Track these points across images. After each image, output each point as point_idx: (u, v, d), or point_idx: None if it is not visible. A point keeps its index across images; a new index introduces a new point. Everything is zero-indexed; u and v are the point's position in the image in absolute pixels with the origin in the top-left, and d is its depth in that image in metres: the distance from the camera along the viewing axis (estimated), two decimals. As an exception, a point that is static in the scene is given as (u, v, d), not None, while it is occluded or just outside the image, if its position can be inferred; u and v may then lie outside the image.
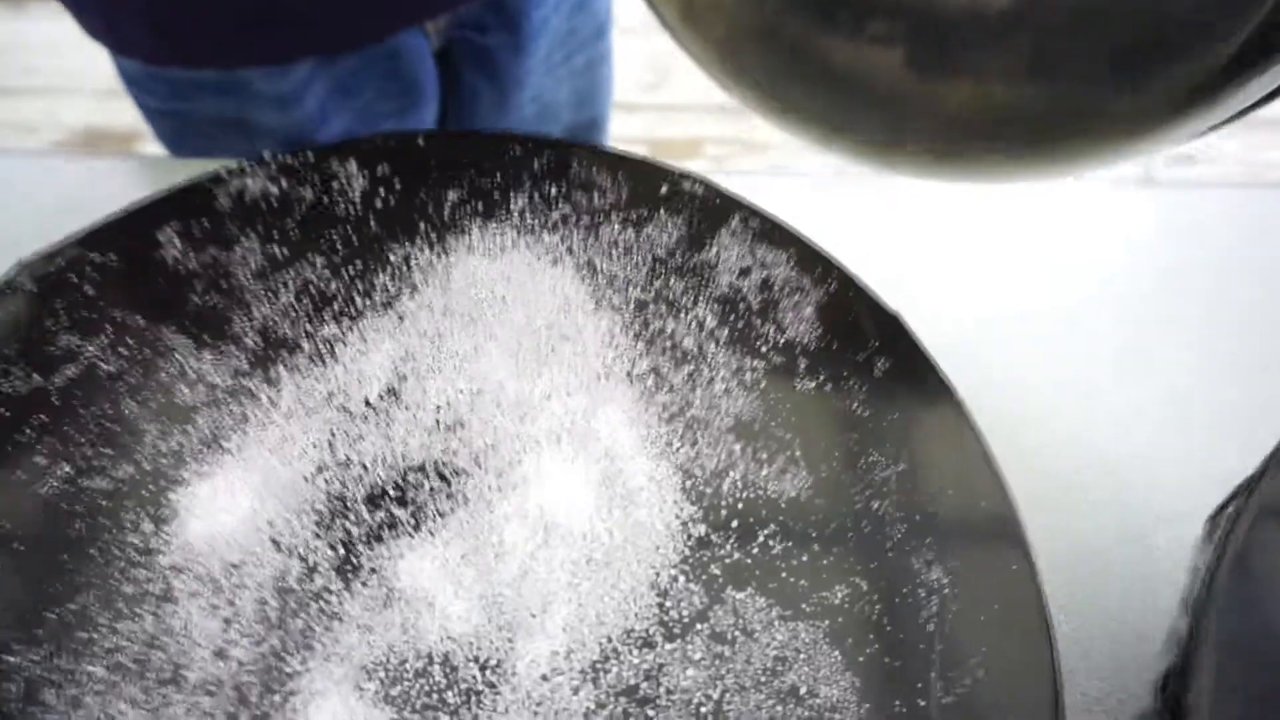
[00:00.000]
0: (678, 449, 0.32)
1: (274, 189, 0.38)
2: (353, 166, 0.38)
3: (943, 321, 0.36)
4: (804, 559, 0.30)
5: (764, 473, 0.31)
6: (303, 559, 0.29)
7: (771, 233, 0.37)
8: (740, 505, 0.31)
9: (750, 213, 0.38)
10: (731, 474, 0.31)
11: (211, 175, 0.38)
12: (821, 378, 0.34)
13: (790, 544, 0.30)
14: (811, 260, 0.37)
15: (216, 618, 0.28)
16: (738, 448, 0.32)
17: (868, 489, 0.31)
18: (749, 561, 0.29)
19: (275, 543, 0.29)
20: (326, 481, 0.30)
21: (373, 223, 0.37)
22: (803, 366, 0.34)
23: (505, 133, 0.40)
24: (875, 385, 0.34)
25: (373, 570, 0.29)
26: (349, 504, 0.30)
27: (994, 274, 0.46)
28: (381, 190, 0.38)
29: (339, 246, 0.36)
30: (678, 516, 0.30)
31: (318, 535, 0.29)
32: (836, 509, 0.31)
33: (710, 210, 0.38)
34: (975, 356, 0.37)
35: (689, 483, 0.31)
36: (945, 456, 0.32)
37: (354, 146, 0.39)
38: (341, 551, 0.29)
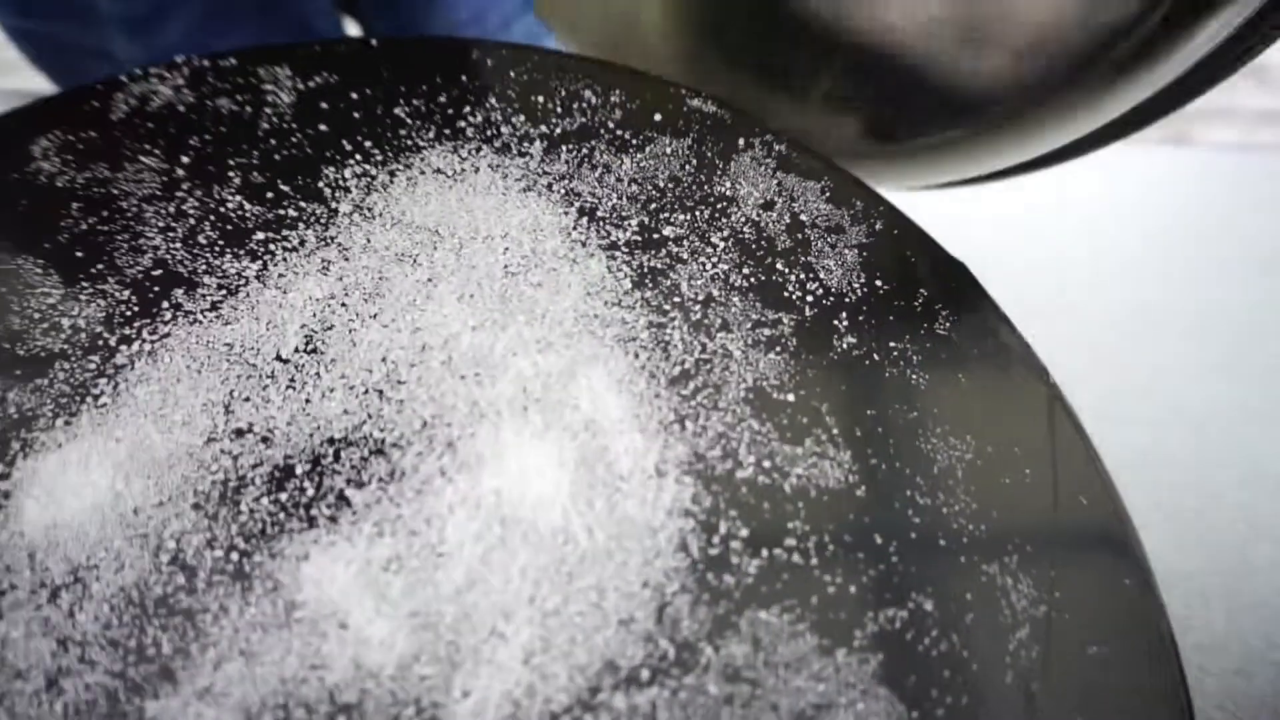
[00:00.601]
0: (679, 423, 0.24)
1: (185, 97, 0.30)
2: (283, 73, 0.31)
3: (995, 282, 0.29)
4: (846, 571, 0.22)
5: (792, 455, 0.24)
6: (173, 559, 0.21)
7: (801, 160, 0.30)
8: (761, 498, 0.23)
9: (775, 136, 0.30)
10: (749, 457, 0.24)
11: (107, 79, 0.31)
12: (866, 337, 0.26)
13: (827, 550, 0.22)
14: (851, 193, 0.29)
15: (49, 637, 0.20)
16: (757, 423, 0.24)
17: (928, 480, 0.24)
18: (772, 572, 0.22)
19: (139, 537, 0.22)
20: (216, 456, 0.23)
21: (303, 139, 0.30)
22: (842, 322, 0.26)
23: (476, 40, 0.33)
24: (936, 348, 0.26)
25: (267, 577, 0.21)
26: (243, 486, 0.23)
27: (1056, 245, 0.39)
28: (317, 102, 0.30)
29: (259, 167, 0.29)
30: (678, 510, 0.23)
31: (197, 528, 0.22)
32: (888, 505, 0.23)
33: (724, 132, 0.30)
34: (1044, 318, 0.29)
35: (694, 467, 0.24)
36: (1029, 440, 0.25)
37: (288, 52, 0.32)
38: (226, 550, 0.22)
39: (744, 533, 0.23)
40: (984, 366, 0.26)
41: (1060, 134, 0.37)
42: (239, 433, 0.23)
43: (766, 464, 0.24)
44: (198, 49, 0.42)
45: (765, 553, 0.22)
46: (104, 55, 0.44)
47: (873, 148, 0.42)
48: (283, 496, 0.23)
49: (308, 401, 0.24)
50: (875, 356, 0.26)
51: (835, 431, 0.25)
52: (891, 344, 0.26)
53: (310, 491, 0.23)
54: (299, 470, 0.23)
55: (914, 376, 0.26)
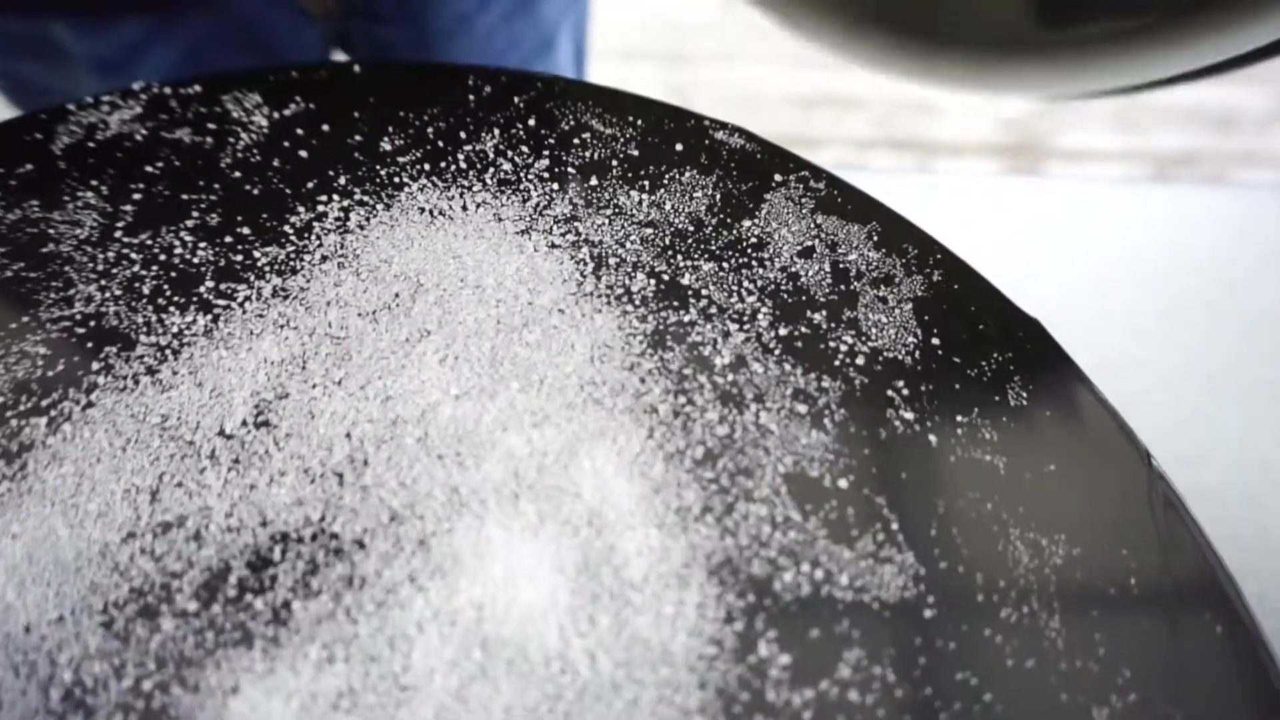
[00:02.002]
0: (704, 516, 0.20)
1: (139, 128, 0.27)
2: (252, 102, 0.27)
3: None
4: (915, 713, 0.18)
5: (844, 558, 0.20)
6: (66, 696, 0.17)
7: (843, 199, 0.26)
8: (807, 615, 0.19)
9: (813, 173, 0.26)
10: (790, 561, 0.19)
11: (54, 108, 0.27)
12: (927, 410, 0.22)
13: (891, 685, 0.18)
14: (902, 237, 0.25)
15: (-99, 798, 0.16)
16: (799, 516, 0.20)
17: (1013, 590, 0.19)
18: (823, 714, 0.17)
19: (26, 664, 0.17)
20: (134, 557, 0.19)
21: (270, 175, 0.26)
22: (898, 392, 0.22)
23: (472, 66, 0.29)
24: (1011, 423, 0.22)
25: (186, 716, 0.17)
26: (167, 595, 0.18)
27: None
28: (290, 133, 0.27)
29: (217, 206, 0.25)
30: (703, 631, 0.18)
31: (101, 652, 0.18)
32: (965, 624, 0.19)
33: (754, 168, 0.26)
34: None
35: (722, 573, 0.19)
36: (1132, 538, 0.20)
37: (260, 78, 0.28)
38: (135, 682, 0.17)
39: (785, 660, 0.18)
40: (1070, 444, 0.22)
41: (1253, 29, 0.30)
42: (165, 527, 0.19)
43: (812, 570, 0.19)
44: None
45: (812, 689, 0.18)
46: (69, 98, 0.41)
47: (1034, 33, 0.35)
48: (214, 609, 0.18)
49: (252, 488, 0.20)
50: (939, 434, 0.22)
51: (895, 528, 0.20)
52: (958, 418, 0.22)
53: (247, 603, 0.18)
54: (235, 575, 0.19)
55: (987, 458, 0.21)
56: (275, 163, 0.26)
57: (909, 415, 0.22)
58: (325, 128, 0.27)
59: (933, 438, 0.22)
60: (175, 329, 0.22)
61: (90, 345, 0.22)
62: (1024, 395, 0.22)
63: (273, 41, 0.42)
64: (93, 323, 0.22)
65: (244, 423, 0.21)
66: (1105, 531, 0.20)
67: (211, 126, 0.27)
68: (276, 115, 0.27)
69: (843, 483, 0.21)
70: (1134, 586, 0.19)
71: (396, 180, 0.26)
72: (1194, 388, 0.39)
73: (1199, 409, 0.38)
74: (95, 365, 0.22)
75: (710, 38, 1.20)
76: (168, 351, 0.22)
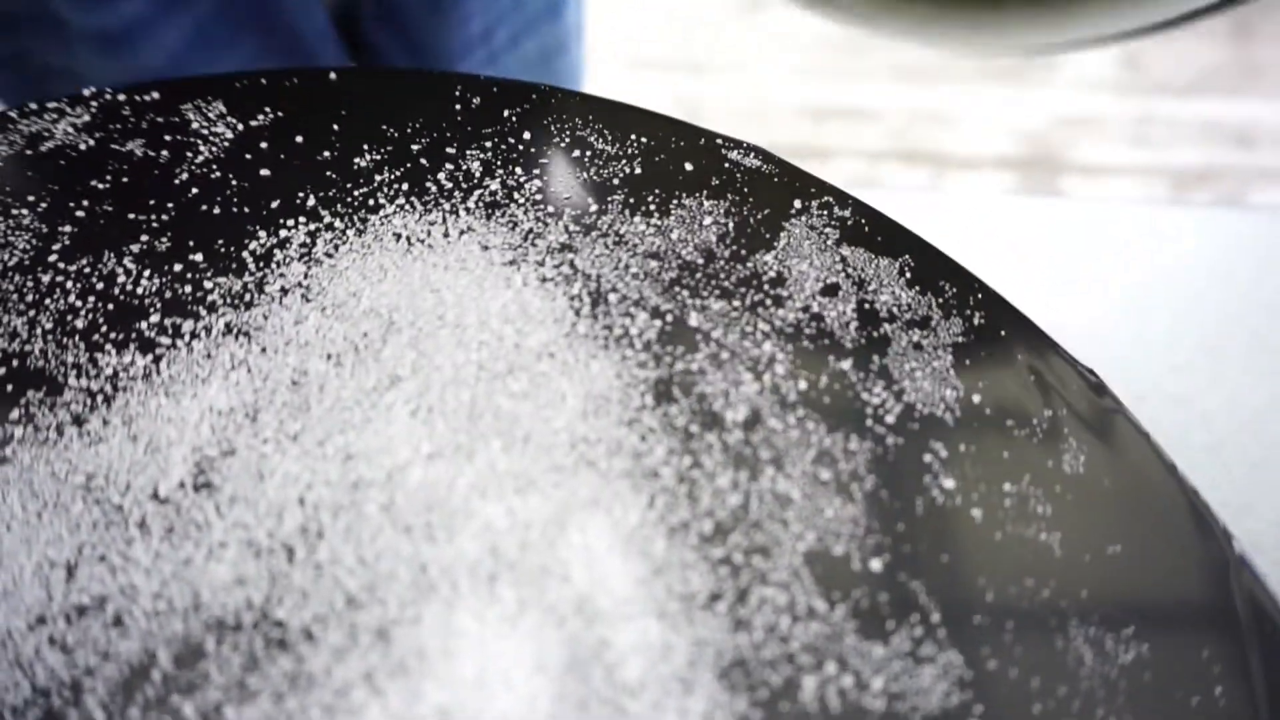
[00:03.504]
0: (714, 605, 0.17)
1: (86, 139, 0.24)
2: (215, 112, 0.25)
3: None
4: None
5: (878, 656, 0.17)
6: (-55, 824, 0.14)
7: (871, 230, 0.23)
8: (834, 728, 0.16)
9: (838, 199, 0.23)
10: (816, 657, 0.17)
11: (-8, 115, 0.24)
12: (970, 477, 0.19)
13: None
14: (938, 273, 0.22)
15: None
16: (824, 605, 0.17)
17: (1077, 698, 0.16)
18: None
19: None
20: (40, 648, 0.16)
21: (230, 195, 0.23)
22: (936, 455, 0.19)
23: (459, 74, 0.27)
24: (1067, 494, 0.19)
25: None
26: (75, 697, 0.16)
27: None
28: (255, 147, 0.24)
29: (167, 229, 0.22)
30: (711, 748, 0.16)
31: (-5, 766, 0.15)
32: (1019, 741, 0.16)
33: (772, 192, 0.24)
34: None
35: (734, 676, 0.16)
36: (1211, 637, 0.17)
37: (223, 84, 0.26)
38: (29, 808, 0.14)
39: (808, 786, 0.15)
40: (1136, 522, 0.19)
41: None
42: (80, 611, 0.16)
43: (839, 672, 0.16)
44: (182, 72, 0.36)
45: (842, 825, 0.15)
46: (70, 75, 0.38)
47: None
48: (130, 714, 0.15)
49: (187, 563, 0.17)
50: (984, 506, 0.19)
51: (935, 619, 0.17)
52: (1006, 487, 0.19)
53: (172, 706, 0.15)
54: (159, 671, 0.16)
55: (1041, 536, 0.18)
56: (236, 181, 0.23)
57: (949, 482, 0.19)
58: (295, 140, 0.24)
59: (975, 510, 0.19)
60: (110, 371, 0.20)
61: (9, 389, 0.19)
62: (1079, 460, 0.19)
63: (283, 20, 0.39)
64: (15, 362, 0.20)
65: (181, 484, 0.18)
66: (1183, 627, 0.17)
67: (168, 138, 0.24)
68: (241, 126, 0.24)
69: (874, 564, 0.18)
70: (1219, 697, 0.17)
71: (371, 202, 0.23)
72: (1237, 427, 0.36)
73: (1245, 451, 0.35)
74: (14, 414, 0.19)
75: (720, 47, 1.18)
76: (99, 398, 0.19)
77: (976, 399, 0.20)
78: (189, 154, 0.24)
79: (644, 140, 0.24)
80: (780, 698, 0.16)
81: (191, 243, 0.22)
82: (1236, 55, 1.27)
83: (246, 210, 0.23)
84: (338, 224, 0.22)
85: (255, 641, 0.16)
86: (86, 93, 0.25)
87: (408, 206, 0.23)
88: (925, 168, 1.11)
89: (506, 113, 0.25)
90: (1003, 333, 0.21)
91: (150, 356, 0.20)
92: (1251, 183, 1.20)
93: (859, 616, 0.17)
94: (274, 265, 0.22)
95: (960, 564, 0.18)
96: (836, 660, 0.17)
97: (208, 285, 0.21)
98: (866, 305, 0.21)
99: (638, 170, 0.24)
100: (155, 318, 0.21)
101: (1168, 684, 0.17)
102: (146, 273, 0.21)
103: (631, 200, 0.23)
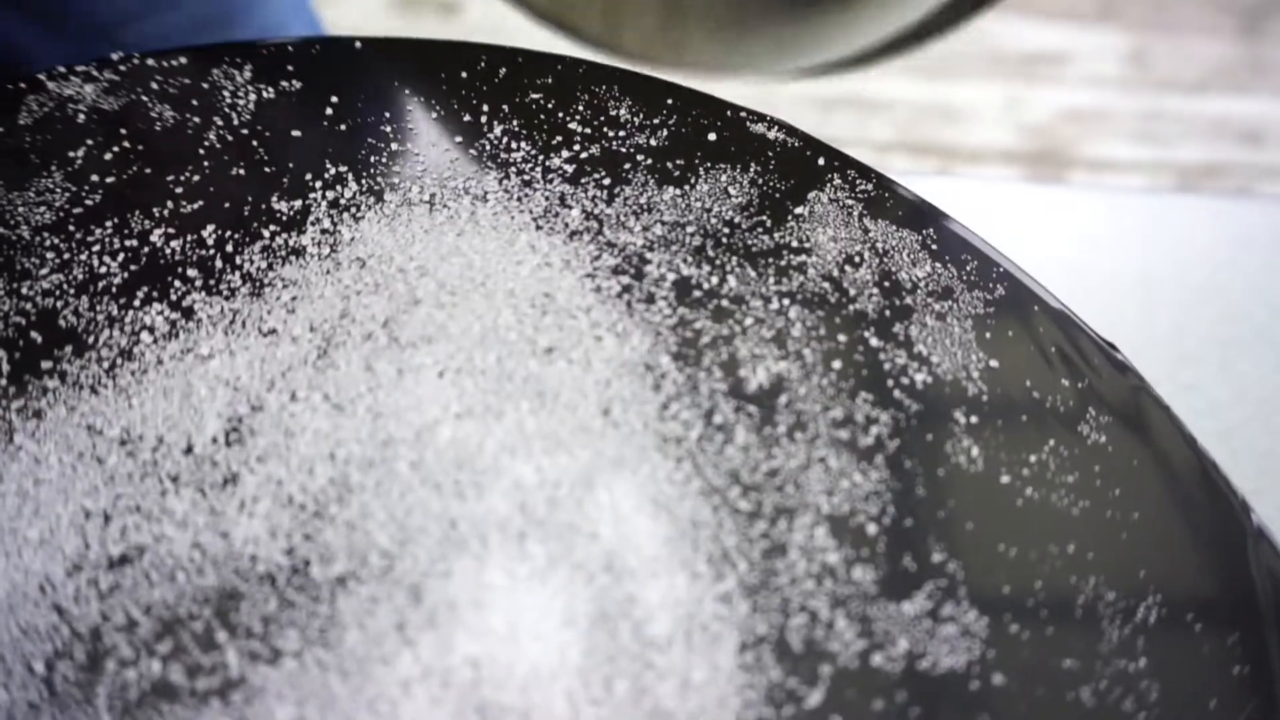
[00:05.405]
0: (740, 563, 0.17)
1: (115, 102, 0.24)
2: (243, 77, 0.25)
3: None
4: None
5: (900, 614, 0.17)
6: (-12, 760, 0.14)
7: (894, 204, 0.23)
8: (861, 680, 0.16)
9: (858, 171, 0.24)
10: (840, 618, 0.17)
11: (25, 76, 0.24)
12: (993, 443, 0.19)
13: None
14: (961, 246, 0.22)
15: None
16: (848, 565, 0.17)
17: (1093, 658, 0.17)
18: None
19: (-54, 719, 0.15)
20: (80, 594, 0.16)
21: (258, 159, 0.23)
22: (957, 423, 0.19)
23: (482, 44, 0.27)
24: (1088, 460, 0.19)
25: (125, 791, 0.14)
26: (114, 642, 0.16)
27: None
28: (282, 112, 0.24)
29: (196, 192, 0.22)
30: (739, 699, 0.16)
31: (36, 704, 0.15)
32: (1041, 697, 0.16)
33: (795, 165, 0.24)
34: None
35: (760, 631, 0.17)
36: (1222, 597, 0.18)
37: (252, 50, 0.26)
38: (69, 747, 0.15)
39: (834, 739, 0.15)
40: (1157, 490, 0.19)
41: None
42: (120, 561, 0.17)
43: (863, 628, 0.17)
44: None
45: (867, 775, 0.15)
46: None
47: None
48: (169, 660, 0.16)
49: (220, 515, 0.17)
50: (1007, 472, 0.19)
51: (958, 581, 0.17)
52: (1028, 456, 0.19)
53: (208, 653, 0.16)
54: (196, 619, 0.16)
55: (1062, 501, 0.19)
56: (264, 145, 0.23)
57: (973, 448, 0.19)
58: (321, 107, 0.24)
59: (998, 475, 0.19)
60: (141, 328, 0.20)
61: (43, 344, 0.19)
62: (1100, 428, 0.20)
63: None
64: (48, 320, 0.20)
65: (213, 439, 0.18)
66: (1201, 592, 0.18)
67: (195, 103, 0.24)
68: (268, 92, 0.25)
69: (897, 528, 0.18)
70: (1236, 659, 0.17)
71: (397, 168, 0.23)
72: (1246, 416, 0.36)
73: (1254, 440, 0.35)
74: (47, 367, 0.19)
75: (728, 35, 1.18)
76: (131, 355, 0.19)
77: (998, 368, 0.20)
78: (217, 119, 0.24)
79: (669, 111, 0.24)
80: (804, 653, 0.16)
81: (221, 205, 0.22)
82: (1245, 52, 1.27)
83: (273, 174, 0.23)
84: (364, 189, 0.23)
85: (289, 592, 0.16)
86: (115, 57, 0.25)
87: (434, 173, 0.23)
88: (933, 160, 1.11)
89: (533, 81, 0.25)
90: (1024, 306, 0.21)
91: (179, 314, 0.20)
92: (1259, 180, 1.20)
93: (882, 577, 0.17)
94: (301, 228, 0.22)
95: (983, 530, 0.18)
96: (860, 618, 0.17)
97: (235, 247, 0.21)
98: (889, 275, 0.22)
99: (663, 141, 0.24)
100: (183, 278, 0.21)
101: (1186, 646, 0.17)
102: (175, 234, 0.22)
103: (656, 170, 0.23)
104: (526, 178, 0.23)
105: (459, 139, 0.24)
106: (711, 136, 0.24)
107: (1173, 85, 1.22)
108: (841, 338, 0.21)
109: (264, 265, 0.21)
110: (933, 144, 1.13)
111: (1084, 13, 1.29)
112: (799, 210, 0.23)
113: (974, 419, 0.19)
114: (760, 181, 0.23)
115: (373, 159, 0.23)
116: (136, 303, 0.20)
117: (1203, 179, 1.17)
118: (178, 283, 0.21)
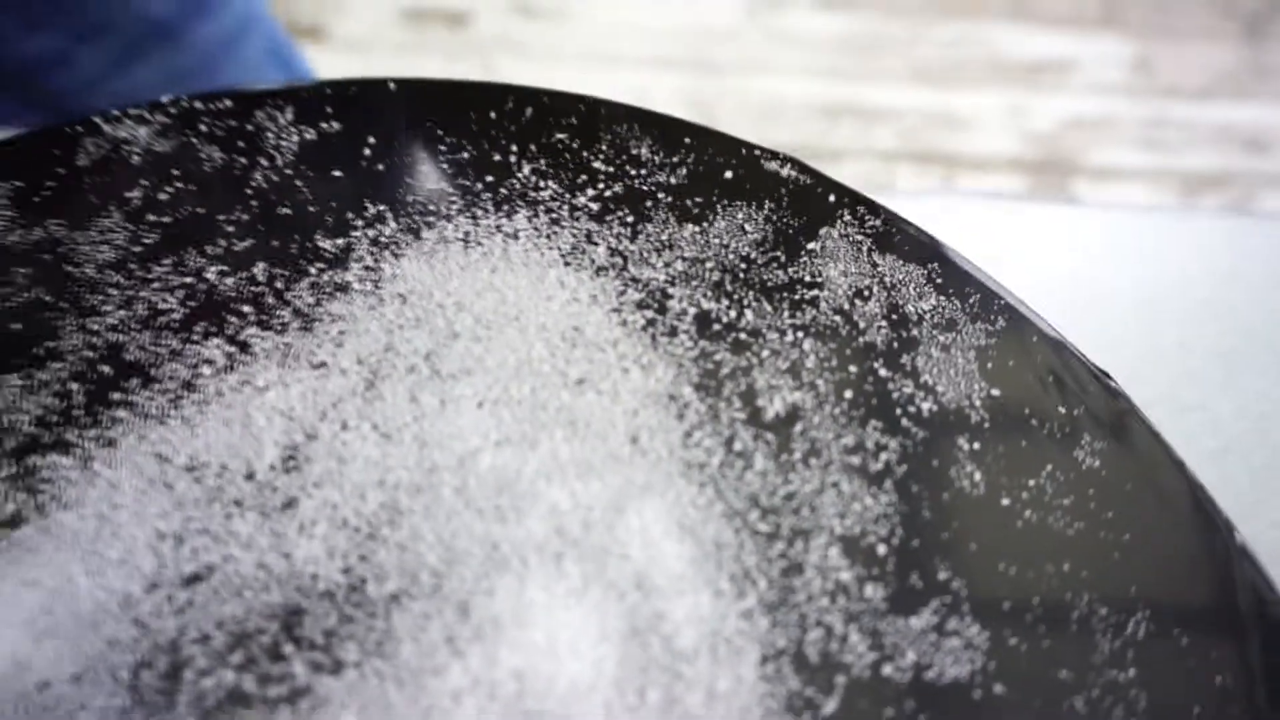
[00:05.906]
0: (759, 581, 0.19)
1: (168, 144, 0.26)
2: (285, 119, 0.26)
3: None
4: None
5: (908, 629, 0.18)
6: (83, 763, 0.16)
7: (901, 238, 0.25)
8: (872, 690, 0.18)
9: (867, 208, 0.25)
10: (853, 630, 0.18)
11: (78, 120, 0.26)
12: (994, 469, 0.21)
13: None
14: (963, 280, 0.24)
15: None
16: (860, 583, 0.19)
17: (1089, 671, 0.18)
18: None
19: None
20: (158, 610, 0.18)
21: (302, 199, 0.25)
22: (960, 449, 0.21)
23: (510, 86, 0.28)
24: (1084, 485, 0.21)
25: (207, 791, 0.16)
26: (190, 654, 0.17)
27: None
28: (324, 154, 0.26)
29: (245, 231, 0.24)
30: (761, 707, 0.17)
31: (123, 711, 0.17)
32: (1038, 707, 0.18)
33: (807, 201, 0.25)
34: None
35: (779, 643, 0.18)
36: (1211, 616, 0.19)
37: (292, 94, 0.27)
38: (156, 751, 0.16)
39: (847, 744, 0.17)
40: (1146, 512, 0.20)
41: None
42: (192, 580, 0.18)
43: (874, 641, 0.18)
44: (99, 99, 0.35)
45: (878, 777, 0.17)
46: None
47: None
48: (241, 671, 0.17)
49: (281, 537, 0.19)
50: (1007, 495, 0.20)
51: (962, 598, 0.19)
52: (1027, 480, 0.21)
53: (277, 664, 0.17)
54: (264, 633, 0.18)
55: (1058, 523, 0.20)
56: (308, 185, 0.25)
57: (976, 473, 0.21)
58: (360, 148, 0.26)
59: (998, 499, 0.20)
60: (200, 361, 0.21)
61: (112, 377, 0.21)
62: (1095, 455, 0.21)
63: None
64: (115, 354, 0.21)
65: (272, 466, 0.20)
66: (1188, 609, 0.19)
67: (242, 144, 0.26)
68: (310, 133, 0.26)
69: (906, 548, 0.19)
70: (1220, 674, 0.18)
71: (433, 207, 0.25)
72: (1243, 432, 0.38)
73: (1250, 456, 0.36)
74: (117, 398, 0.21)
75: (734, 47, 1.19)
76: (193, 387, 0.21)
77: (999, 397, 0.22)
78: (263, 160, 0.25)
79: (686, 150, 0.26)
80: (820, 664, 0.18)
81: (270, 244, 0.24)
82: (1249, 59, 1.28)
83: (318, 214, 0.24)
84: (404, 226, 0.24)
85: (348, 608, 0.18)
86: (165, 99, 0.27)
87: (468, 212, 0.24)
88: (937, 168, 1.13)
89: (558, 122, 0.27)
90: (1023, 336, 0.23)
91: (235, 349, 0.22)
92: (1263, 187, 1.21)
93: (892, 593, 0.19)
94: (345, 265, 0.23)
95: (985, 549, 0.20)
96: (871, 632, 0.18)
97: (285, 284, 0.23)
98: (897, 308, 0.23)
99: (683, 179, 0.25)
100: (238, 314, 0.22)
101: (1173, 657, 0.18)
102: (229, 272, 0.23)
103: (676, 208, 0.25)
104: (554, 215, 0.25)
105: (490, 178, 0.25)
106: (728, 175, 0.26)
107: (1177, 92, 1.23)
108: (852, 368, 0.22)
109: (312, 301, 0.23)
110: (937, 152, 1.14)
111: (1087, 20, 1.30)
112: (811, 246, 0.24)
113: (976, 445, 0.21)
114: (774, 218, 0.25)
115: (409, 198, 0.25)
116: (196, 337, 0.22)
117: (1207, 187, 1.18)
118: (233, 318, 0.22)
